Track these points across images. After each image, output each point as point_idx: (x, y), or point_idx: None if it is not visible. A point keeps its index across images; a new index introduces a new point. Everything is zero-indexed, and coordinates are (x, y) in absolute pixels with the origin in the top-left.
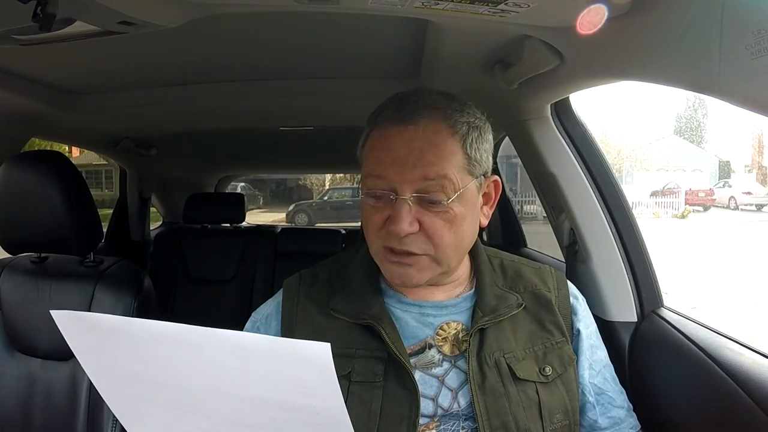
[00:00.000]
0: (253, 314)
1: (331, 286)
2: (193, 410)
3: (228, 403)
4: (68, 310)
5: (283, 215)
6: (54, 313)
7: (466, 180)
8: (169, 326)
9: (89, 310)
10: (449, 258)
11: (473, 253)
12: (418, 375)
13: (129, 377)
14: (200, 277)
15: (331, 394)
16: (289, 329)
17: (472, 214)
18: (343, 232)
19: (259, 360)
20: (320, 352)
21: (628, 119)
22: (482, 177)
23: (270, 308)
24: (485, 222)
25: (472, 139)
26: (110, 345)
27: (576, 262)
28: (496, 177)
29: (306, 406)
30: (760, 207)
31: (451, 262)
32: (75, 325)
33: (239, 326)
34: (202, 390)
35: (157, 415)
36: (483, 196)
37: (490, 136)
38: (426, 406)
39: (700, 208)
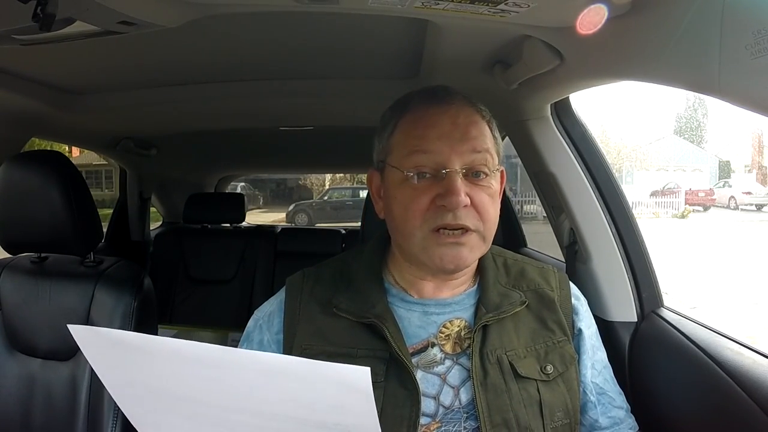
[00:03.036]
0: (255, 312)
1: (334, 285)
2: (216, 423)
3: (254, 418)
4: (86, 325)
5: (283, 215)
6: (72, 327)
7: (497, 160)
8: (193, 345)
9: (89, 310)
10: (491, 235)
11: None
12: (419, 374)
13: (149, 389)
14: (200, 277)
15: (368, 414)
16: (292, 328)
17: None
18: (343, 232)
19: (294, 381)
20: (360, 376)
21: (628, 119)
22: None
23: (273, 306)
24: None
25: (493, 126)
26: (130, 360)
27: (576, 262)
28: (502, 168)
29: (338, 424)
30: (760, 207)
31: (491, 240)
32: (93, 340)
33: (239, 326)
34: (227, 405)
35: (177, 425)
36: None
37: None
38: (427, 405)
39: (700, 208)
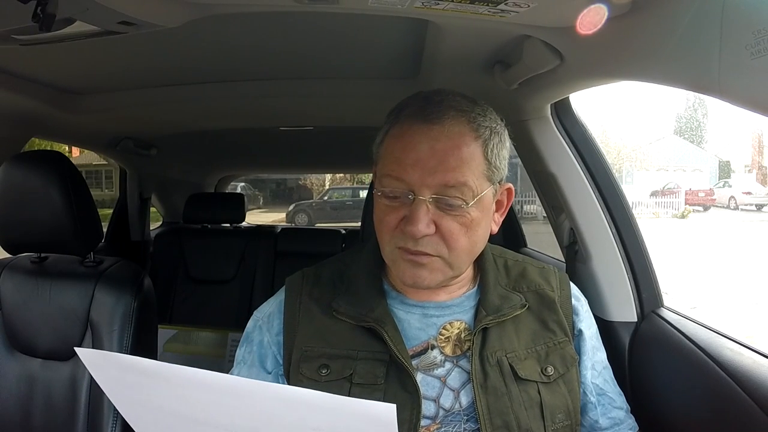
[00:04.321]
0: (255, 313)
1: (333, 286)
2: None
3: None
4: (95, 349)
5: (283, 215)
6: (80, 351)
7: (485, 186)
8: (213, 376)
9: (89, 310)
10: (461, 262)
11: None
12: (420, 377)
13: (164, 413)
14: (200, 277)
15: None
16: (291, 329)
17: (486, 219)
18: (343, 232)
19: (317, 413)
20: (385, 412)
21: (628, 119)
22: (498, 184)
23: (272, 307)
24: (495, 229)
25: (493, 145)
26: (144, 385)
27: (576, 262)
28: (510, 185)
29: None
30: (760, 207)
31: (463, 266)
32: (102, 363)
33: (239, 326)
34: (244, 430)
35: None
36: (496, 202)
37: (508, 143)
38: (427, 408)
39: (700, 208)
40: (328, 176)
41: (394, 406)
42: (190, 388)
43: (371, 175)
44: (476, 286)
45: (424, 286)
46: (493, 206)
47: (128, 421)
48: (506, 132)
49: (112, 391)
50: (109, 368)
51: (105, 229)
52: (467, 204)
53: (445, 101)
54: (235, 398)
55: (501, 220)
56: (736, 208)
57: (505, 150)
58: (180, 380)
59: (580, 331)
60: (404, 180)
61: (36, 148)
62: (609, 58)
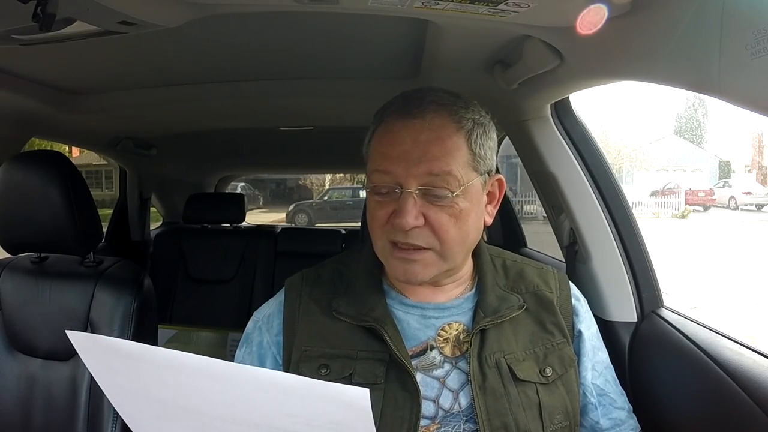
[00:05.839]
0: (255, 314)
1: (333, 287)
2: None
3: (252, 430)
4: (86, 333)
5: (283, 215)
6: (70, 334)
7: (471, 176)
8: (193, 358)
9: (89, 310)
10: (455, 253)
11: (476, 253)
12: (419, 377)
13: (148, 398)
14: (200, 277)
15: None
16: (291, 329)
17: (477, 210)
18: (343, 232)
19: (292, 398)
20: (358, 397)
21: (628, 119)
22: (487, 175)
23: (272, 308)
24: (489, 221)
25: (477, 136)
26: (130, 369)
27: (576, 262)
28: (501, 176)
29: None
30: (760, 207)
31: (457, 258)
32: (92, 347)
33: (239, 326)
34: (225, 416)
35: None
36: (487, 194)
37: (495, 135)
38: (427, 408)
39: (700, 208)
40: (328, 176)
41: (368, 390)
42: (175, 371)
43: None
44: (474, 288)
45: (417, 281)
46: (485, 198)
47: (115, 407)
48: (492, 124)
49: (101, 375)
50: (98, 351)
51: (105, 229)
52: (453, 194)
53: (426, 96)
54: (218, 382)
55: (494, 212)
56: (736, 208)
57: (490, 141)
58: (163, 362)
59: (580, 332)
60: (390, 172)
61: (36, 148)
62: (609, 58)
